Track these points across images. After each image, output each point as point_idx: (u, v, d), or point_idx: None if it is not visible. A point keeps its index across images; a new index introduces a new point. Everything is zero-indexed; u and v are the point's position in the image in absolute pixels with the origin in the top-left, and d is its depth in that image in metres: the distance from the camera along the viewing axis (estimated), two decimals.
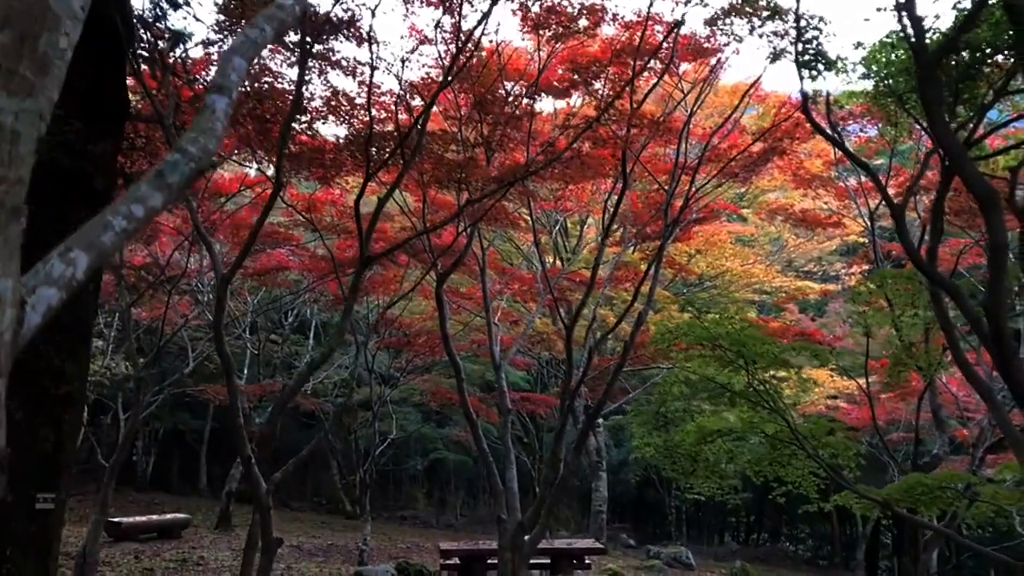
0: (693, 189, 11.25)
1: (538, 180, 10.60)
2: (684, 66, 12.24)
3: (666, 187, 11.20)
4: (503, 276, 14.78)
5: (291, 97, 8.20)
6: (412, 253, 11.62)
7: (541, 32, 10.04)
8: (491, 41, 12.24)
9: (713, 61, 11.03)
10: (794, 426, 7.73)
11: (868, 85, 8.97)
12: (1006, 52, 7.89)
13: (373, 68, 8.40)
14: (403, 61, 11.06)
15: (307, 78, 8.64)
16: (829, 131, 7.96)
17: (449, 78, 8.29)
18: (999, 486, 9.74)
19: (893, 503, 9.01)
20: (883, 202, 12.01)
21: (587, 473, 21.40)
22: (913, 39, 6.71)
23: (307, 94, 8.87)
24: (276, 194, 6.65)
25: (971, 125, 7.78)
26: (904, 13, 6.92)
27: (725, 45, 10.77)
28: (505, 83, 10.70)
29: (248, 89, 8.78)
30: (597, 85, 10.96)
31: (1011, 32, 7.43)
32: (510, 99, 10.39)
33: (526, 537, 10.14)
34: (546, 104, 13.29)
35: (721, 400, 8.32)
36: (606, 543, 19.76)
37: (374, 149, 8.72)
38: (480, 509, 27.37)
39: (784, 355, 7.96)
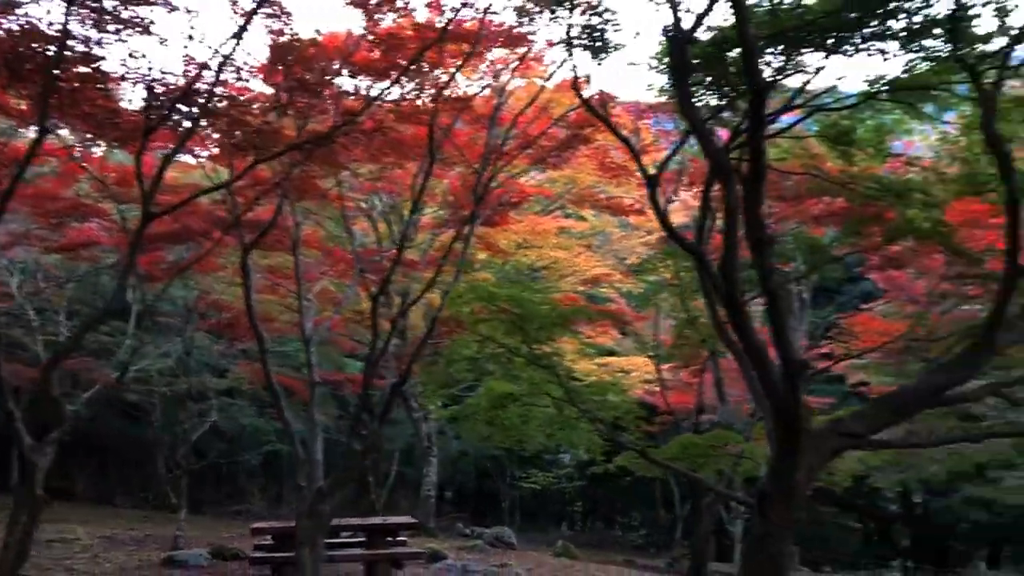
0: (502, 174, 11.72)
1: (347, 156, 10.73)
2: (499, 53, 12.70)
3: (485, 171, 11.64)
4: (330, 257, 14.81)
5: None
6: (223, 227, 11.50)
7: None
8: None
9: (522, 50, 11.53)
10: (569, 387, 8.24)
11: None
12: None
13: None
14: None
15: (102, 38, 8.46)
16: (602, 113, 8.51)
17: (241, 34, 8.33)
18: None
19: (670, 462, 9.73)
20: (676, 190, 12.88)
21: (419, 460, 21.63)
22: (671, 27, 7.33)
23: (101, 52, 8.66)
24: (39, 142, 6.50)
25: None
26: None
27: (532, 34, 11.33)
28: (321, 61, 10.82)
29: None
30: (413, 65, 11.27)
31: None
32: (325, 76, 10.52)
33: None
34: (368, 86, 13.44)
35: (510, 365, 8.75)
36: (436, 527, 20.05)
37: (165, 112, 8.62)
38: None
39: (566, 319, 8.49)
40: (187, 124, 8.47)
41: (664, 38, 8.15)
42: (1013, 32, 7.74)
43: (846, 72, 12.86)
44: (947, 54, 8.03)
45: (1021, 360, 8.30)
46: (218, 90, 9.61)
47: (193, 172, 14.69)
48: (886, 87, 9.38)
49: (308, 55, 10.50)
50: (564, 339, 13.75)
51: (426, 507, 19.22)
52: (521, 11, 10.61)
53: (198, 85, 9.21)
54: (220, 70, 8.33)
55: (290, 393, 14.81)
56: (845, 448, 7.10)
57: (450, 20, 9.55)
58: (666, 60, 8.69)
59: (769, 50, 8.52)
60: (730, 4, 6.39)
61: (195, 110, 8.50)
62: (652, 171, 7.73)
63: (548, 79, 11.65)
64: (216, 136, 10.29)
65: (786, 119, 10.52)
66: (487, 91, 12.76)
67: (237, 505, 26.15)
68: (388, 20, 10.86)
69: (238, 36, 8.50)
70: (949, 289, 10.74)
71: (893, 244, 10.59)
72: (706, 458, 9.80)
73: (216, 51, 9.29)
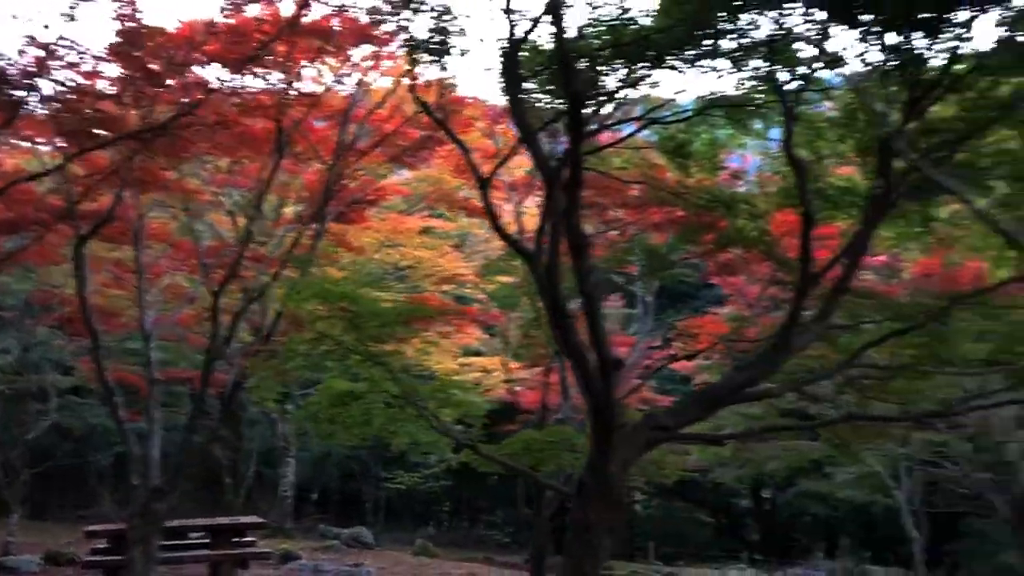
0: (362, 172, 11.75)
1: (194, 148, 10.52)
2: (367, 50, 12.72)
3: (337, 168, 11.63)
4: (179, 251, 14.39)
5: None
6: (58, 217, 11.04)
7: None
8: None
9: (377, 49, 11.60)
10: (405, 385, 8.35)
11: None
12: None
13: None
14: None
15: None
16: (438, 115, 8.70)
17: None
18: None
19: (511, 460, 9.98)
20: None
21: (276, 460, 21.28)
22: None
23: None
24: None
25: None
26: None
27: (388, 34, 11.41)
28: (170, 49, 10.56)
29: None
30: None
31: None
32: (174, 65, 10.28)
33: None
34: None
35: (348, 363, 8.79)
36: (295, 528, 19.81)
37: None
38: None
39: (406, 317, 8.61)
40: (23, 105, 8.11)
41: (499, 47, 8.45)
42: (827, 58, 8.46)
43: (688, 87, 13.49)
44: (765, 75, 8.68)
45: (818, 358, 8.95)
46: (59, 75, 9.29)
47: (34, 161, 14.02)
48: (716, 103, 10.03)
49: (155, 43, 10.26)
50: (426, 337, 14.04)
51: (283, 508, 18.94)
52: (373, 11, 10.71)
53: (29, 67, 8.88)
54: (50, 53, 8.03)
55: (136, 391, 14.35)
56: (658, 441, 7.51)
57: (295, 15, 9.51)
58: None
59: (616, 62, 9.01)
60: (550, 20, 6.67)
61: (24, 92, 8.16)
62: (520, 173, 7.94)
63: (401, 78, 11.74)
64: (51, 121, 9.90)
65: (633, 129, 11.07)
66: (350, 89, 12.76)
67: (85, 509, 24.97)
68: (254, 11, 10.72)
69: (71, 16, 8.22)
70: (776, 294, 11.46)
71: (725, 251, 11.23)
72: (547, 454, 10.10)
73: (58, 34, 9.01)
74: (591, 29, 8.48)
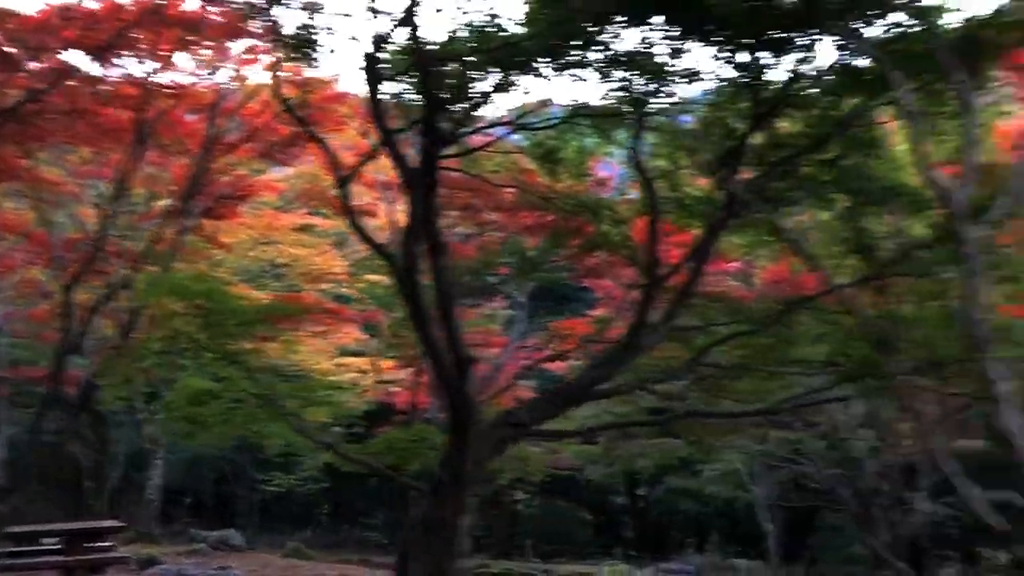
0: (237, 168, 11.52)
1: (49, 137, 10.10)
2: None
3: (204, 161, 11.38)
4: (35, 243, 13.73)
5: None
6: None
7: None
8: None
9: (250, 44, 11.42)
10: (264, 385, 8.28)
11: None
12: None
13: None
14: None
15: None
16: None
17: None
18: None
19: (373, 459, 10.02)
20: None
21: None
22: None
23: None
24: None
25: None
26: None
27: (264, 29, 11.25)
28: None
29: None
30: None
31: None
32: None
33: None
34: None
35: (202, 361, 8.63)
36: (162, 532, 19.16)
37: None
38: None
39: (267, 315, 8.53)
40: None
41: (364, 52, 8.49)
42: (684, 72, 8.88)
43: (558, 95, 13.79)
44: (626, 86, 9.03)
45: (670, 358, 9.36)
46: None
47: None
48: (582, 112, 10.36)
49: (10, 26, 9.81)
50: (296, 336, 13.86)
51: (149, 511, 18.29)
52: (245, 5, 10.55)
53: None
54: None
55: None
56: (514, 437, 7.72)
57: (158, 3, 9.28)
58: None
59: (487, 67, 9.17)
60: (408, 27, 6.75)
61: None
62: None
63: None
64: None
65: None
66: (225, 82, 12.50)
67: None
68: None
69: None
70: (637, 297, 11.91)
71: (591, 255, 11.59)
72: (410, 453, 10.16)
73: None
74: (461, 33, 8.66)
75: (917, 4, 7.79)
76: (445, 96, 8.79)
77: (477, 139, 10.61)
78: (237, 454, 24.54)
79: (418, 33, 6.67)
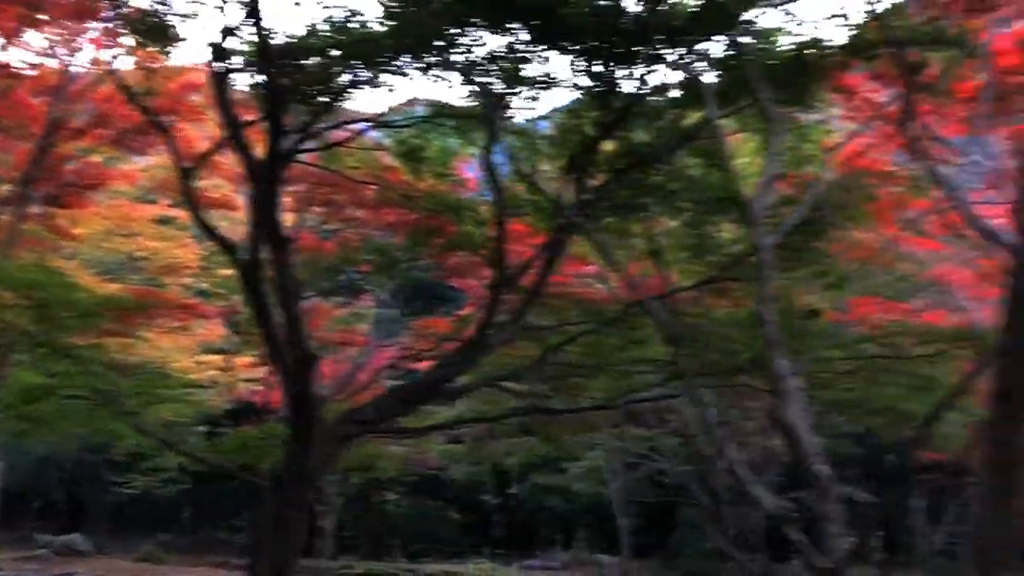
0: (95, 156, 11.00)
1: None
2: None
3: (46, 145, 10.81)
4: None
5: None
6: None
7: None
8: None
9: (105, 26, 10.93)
10: (99, 379, 7.98)
11: None
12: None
13: None
14: None
15: None
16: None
17: None
18: None
19: (223, 459, 9.80)
20: None
21: None
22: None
23: None
24: None
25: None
26: None
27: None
28: None
29: None
30: None
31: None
32: None
33: None
34: None
35: (41, 355, 8.23)
36: (3, 538, 18.06)
37: None
38: None
39: (107, 308, 8.20)
40: None
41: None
42: (541, 79, 9.11)
43: (423, 94, 13.83)
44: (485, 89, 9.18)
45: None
46: None
47: None
48: (442, 113, 10.47)
49: None
50: (149, 330, 13.33)
51: None
52: None
53: None
54: None
55: None
56: (359, 434, 7.73)
57: None
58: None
59: (350, 63, 9.11)
60: (253, 19, 6.67)
61: None
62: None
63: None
64: None
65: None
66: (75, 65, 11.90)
67: None
68: None
69: None
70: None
71: (454, 255, 11.70)
72: (262, 451, 10.00)
73: None
74: (321, 27, 8.60)
75: (754, 26, 8.30)
76: (303, 89, 8.73)
77: (340, 135, 10.58)
78: (88, 455, 23.40)
79: (263, 25, 6.57)
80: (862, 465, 21.33)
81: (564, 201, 9.11)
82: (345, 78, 9.20)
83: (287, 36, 8.23)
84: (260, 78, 7.58)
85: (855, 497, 14.26)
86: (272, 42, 7.34)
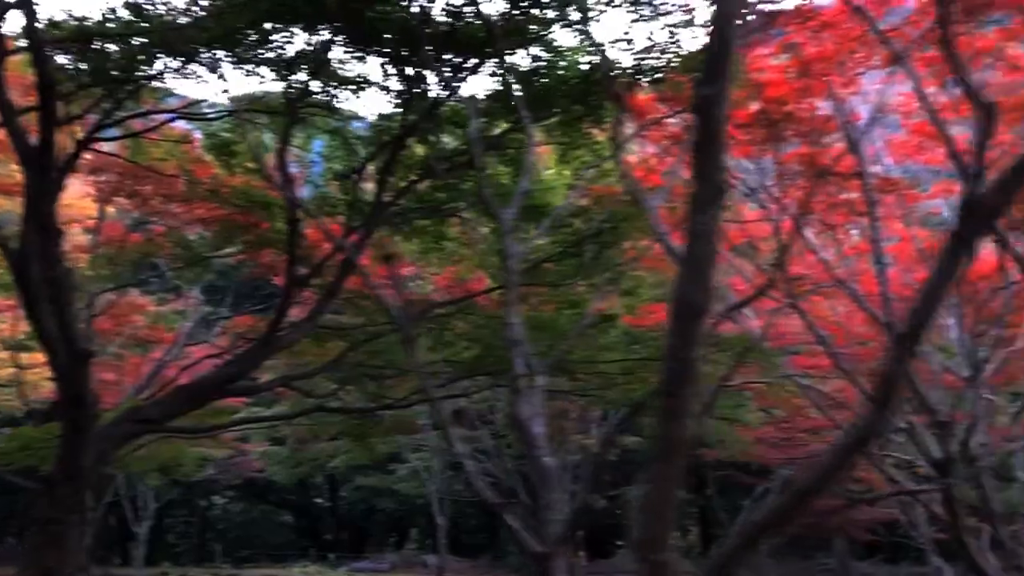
0: None
1: None
2: None
3: None
4: None
5: None
6: None
7: None
8: None
9: None
10: None
11: None
12: None
13: None
14: None
15: None
16: None
17: None
18: None
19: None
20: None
21: None
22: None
23: None
24: None
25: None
26: None
27: None
28: None
29: None
30: None
31: None
32: None
33: None
34: None
35: None
36: None
37: None
38: None
39: None
40: None
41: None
42: (352, 80, 9.16)
43: (238, 88, 13.59)
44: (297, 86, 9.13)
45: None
46: None
47: None
48: (253, 108, 10.30)
49: None
50: None
51: None
52: None
53: None
54: None
55: None
56: (140, 433, 7.52)
57: None
58: None
59: (154, 51, 8.80)
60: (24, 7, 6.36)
61: None
62: None
63: None
64: None
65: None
66: None
67: None
68: None
69: None
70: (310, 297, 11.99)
71: (265, 252, 11.53)
72: (46, 452, 9.51)
73: None
74: (122, 14, 8.30)
75: (552, 42, 8.70)
76: (103, 76, 8.42)
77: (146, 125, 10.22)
78: None
79: (33, 10, 6.29)
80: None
81: (372, 201, 9.18)
82: (151, 67, 8.95)
83: (75, 19, 7.95)
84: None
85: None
86: (41, 25, 6.98)
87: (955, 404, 8.95)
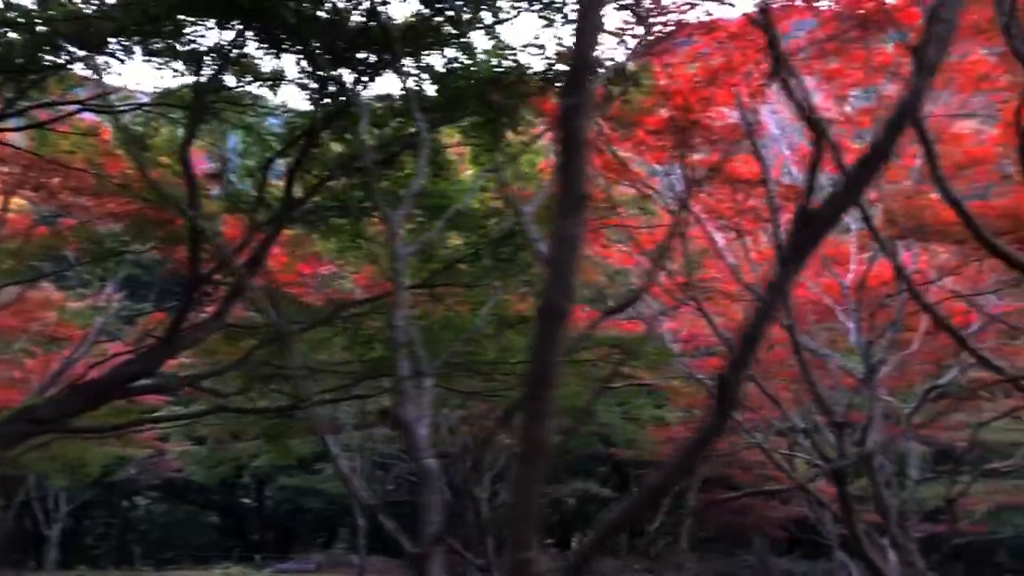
0: None
1: None
2: None
3: None
4: None
5: None
6: None
7: None
8: None
9: None
10: None
11: None
12: None
13: None
14: None
15: None
16: None
17: None
18: None
19: None
20: None
21: None
22: None
23: None
24: None
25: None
26: None
27: None
28: None
29: None
30: None
31: None
32: None
33: None
34: None
35: None
36: None
37: None
38: None
39: None
40: None
41: None
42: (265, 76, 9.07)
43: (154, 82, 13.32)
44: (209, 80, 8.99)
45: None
46: None
47: None
48: (166, 102, 10.10)
49: None
50: None
51: None
52: None
53: None
54: None
55: None
56: (34, 434, 7.33)
57: None
58: None
59: (61, 41, 8.56)
60: None
61: None
62: None
63: None
64: None
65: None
66: None
67: None
68: None
69: None
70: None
71: (178, 249, 11.33)
72: None
73: None
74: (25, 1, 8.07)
75: (467, 44, 8.73)
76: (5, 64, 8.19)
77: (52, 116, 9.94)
78: None
79: None
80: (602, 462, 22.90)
81: (282, 198, 9.08)
82: (57, 56, 8.73)
83: None
84: None
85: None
86: None
87: (851, 404, 9.28)
